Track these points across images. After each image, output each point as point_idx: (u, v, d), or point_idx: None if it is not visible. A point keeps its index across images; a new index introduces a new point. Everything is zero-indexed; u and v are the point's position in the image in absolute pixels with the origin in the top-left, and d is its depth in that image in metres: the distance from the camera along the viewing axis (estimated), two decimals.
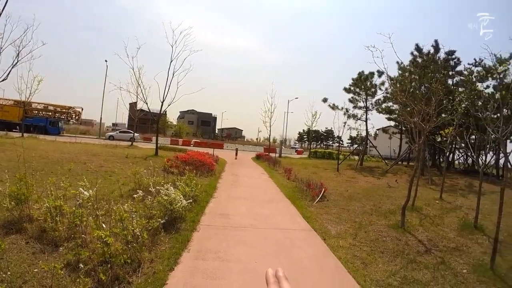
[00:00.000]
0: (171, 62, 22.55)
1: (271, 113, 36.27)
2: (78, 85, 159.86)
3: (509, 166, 30.02)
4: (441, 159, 32.69)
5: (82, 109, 50.48)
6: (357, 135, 31.98)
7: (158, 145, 24.23)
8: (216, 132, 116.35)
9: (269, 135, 40.16)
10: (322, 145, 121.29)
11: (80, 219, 5.20)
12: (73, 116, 49.36)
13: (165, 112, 26.41)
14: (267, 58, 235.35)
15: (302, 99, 75.28)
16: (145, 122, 67.53)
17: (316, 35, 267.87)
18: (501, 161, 27.88)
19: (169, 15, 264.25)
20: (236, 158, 30.73)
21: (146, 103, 23.78)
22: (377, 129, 41.94)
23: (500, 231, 9.78)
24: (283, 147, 55.65)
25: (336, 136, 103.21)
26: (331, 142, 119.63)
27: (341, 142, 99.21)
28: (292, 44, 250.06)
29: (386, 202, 12.46)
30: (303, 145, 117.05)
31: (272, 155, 34.29)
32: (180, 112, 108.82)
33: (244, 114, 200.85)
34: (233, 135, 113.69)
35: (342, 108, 29.94)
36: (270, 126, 36.46)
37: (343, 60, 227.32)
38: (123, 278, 4.47)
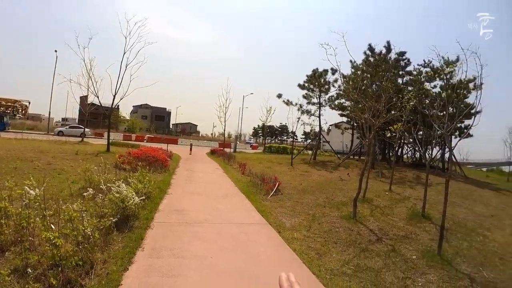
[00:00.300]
0: (124, 53, 21.70)
1: (225, 108, 36.07)
2: (23, 76, 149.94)
3: (454, 159, 32.18)
4: (390, 154, 33.95)
5: (29, 102, 48.03)
6: (311, 130, 32.43)
7: (110, 140, 23.47)
8: (171, 127, 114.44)
9: (224, 130, 40.03)
10: (276, 140, 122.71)
11: (27, 220, 4.94)
12: (20, 110, 46.83)
13: (118, 106, 25.67)
14: (224, 52, 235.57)
15: (258, 95, 75.91)
16: (96, 116, 65.32)
17: (273, 32, 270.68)
18: (446, 155, 29.64)
19: (124, 4, 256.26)
20: (190, 154, 30.44)
21: (97, 97, 22.73)
22: (330, 125, 42.84)
23: (446, 219, 10.37)
24: (238, 142, 55.64)
25: (290, 131, 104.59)
26: (285, 137, 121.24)
27: (295, 137, 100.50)
28: (249, 39, 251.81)
29: (338, 195, 12.82)
30: (258, 140, 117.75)
31: (227, 150, 34.31)
32: (133, 106, 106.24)
33: (199, 109, 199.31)
34: (188, 130, 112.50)
35: (296, 104, 30.33)
36: (225, 121, 36.27)
37: (299, 58, 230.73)
38: (75, 281, 4.29)
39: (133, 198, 7.12)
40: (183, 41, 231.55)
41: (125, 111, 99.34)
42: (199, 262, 5.46)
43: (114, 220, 6.06)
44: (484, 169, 54.18)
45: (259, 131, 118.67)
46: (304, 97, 31.36)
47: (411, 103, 13.58)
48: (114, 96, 21.53)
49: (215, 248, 6.23)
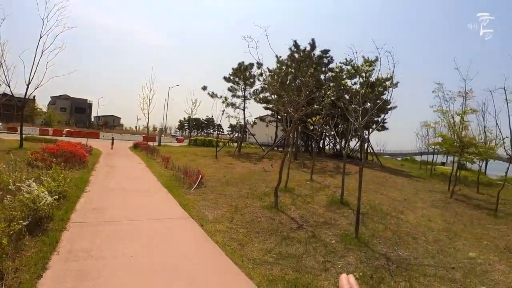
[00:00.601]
0: (40, 38, 19.54)
1: (149, 99, 34.69)
2: None
3: (371, 150, 34.32)
4: (313, 145, 35.21)
5: None
6: (236, 123, 32.58)
7: (25, 135, 21.64)
8: (92, 120, 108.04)
9: (147, 123, 38.80)
10: (203, 133, 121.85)
11: None
12: None
13: (34, 97, 23.40)
14: (152, 42, 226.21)
15: (184, 87, 74.34)
16: (9, 109, 59.91)
17: (203, 24, 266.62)
18: (367, 146, 31.53)
19: None
20: (112, 148, 29.26)
21: (9, 86, 19.71)
22: (256, 118, 43.33)
23: (363, 204, 11.02)
24: (163, 135, 54.36)
25: (216, 124, 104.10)
26: (212, 130, 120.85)
27: (221, 130, 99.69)
28: (179, 30, 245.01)
29: (261, 185, 13.04)
30: (184, 133, 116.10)
31: (152, 144, 33.36)
32: (51, 97, 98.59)
33: (123, 100, 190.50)
34: (111, 123, 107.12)
35: (221, 97, 30.28)
36: (148, 114, 35.01)
37: (228, 51, 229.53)
38: None
39: (45, 198, 6.65)
40: (110, 28, 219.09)
41: (42, 103, 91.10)
42: (119, 262, 5.26)
43: (25, 223, 5.60)
44: (399, 159, 58.48)
45: (185, 124, 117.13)
46: (229, 89, 31.39)
47: (329, 98, 14.10)
48: (28, 86, 19.50)
49: (136, 246, 6.04)
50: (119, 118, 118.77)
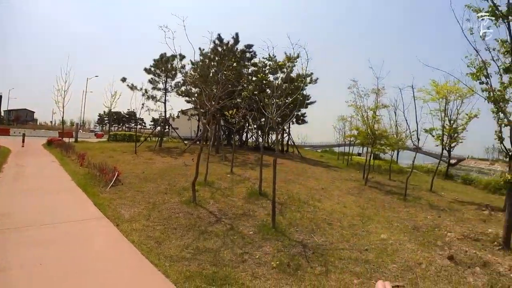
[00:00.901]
0: None
1: (64, 91, 31.88)
2: None
3: (292, 142, 35.34)
4: (235, 138, 35.40)
5: None
6: (159, 117, 31.61)
7: None
8: (2, 114, 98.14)
9: (63, 118, 36.05)
10: (124, 127, 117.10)
11: None
12: None
13: None
14: (70, 29, 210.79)
15: (104, 79, 70.74)
16: None
17: (124, 11, 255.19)
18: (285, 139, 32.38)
19: None
20: (23, 146, 26.87)
21: None
22: (178, 111, 42.54)
23: (282, 195, 11.17)
24: (80, 130, 51.34)
25: (138, 118, 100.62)
26: (133, 124, 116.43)
27: (143, 124, 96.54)
28: (102, 15, 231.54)
29: (181, 180, 12.70)
30: (104, 128, 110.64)
31: (68, 140, 31.19)
32: None
33: (37, 92, 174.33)
34: (23, 118, 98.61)
35: (141, 89, 29.19)
36: (63, 107, 32.36)
37: (150, 41, 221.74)
38: None
39: None
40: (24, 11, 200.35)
41: None
42: (27, 272, 4.73)
43: None
44: (319, 150, 61.06)
45: (105, 118, 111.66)
46: (150, 81, 30.30)
47: (247, 92, 14.14)
48: None
49: (46, 252, 5.49)
50: (33, 112, 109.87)
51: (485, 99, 8.60)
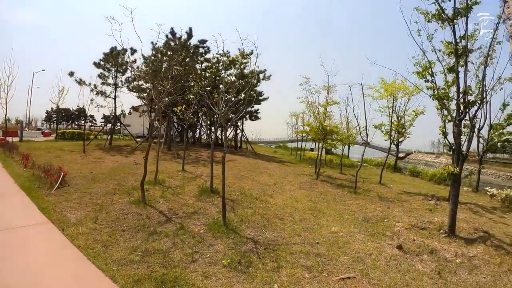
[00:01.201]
0: None
1: (7, 86, 29.70)
2: None
3: (245, 139, 35.43)
4: (188, 135, 34.99)
5: None
6: (110, 113, 30.46)
7: None
8: None
9: (6, 115, 33.77)
10: (74, 125, 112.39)
11: None
12: None
13: None
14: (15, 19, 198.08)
15: (53, 73, 67.23)
16: None
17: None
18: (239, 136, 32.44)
19: None
20: None
21: None
22: (130, 108, 41.50)
23: (234, 191, 11.16)
24: (26, 129, 48.72)
25: (88, 115, 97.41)
26: (83, 122, 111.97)
27: (94, 121, 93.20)
28: (49, 7, 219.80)
29: (130, 179, 12.35)
30: (52, 126, 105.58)
31: (11, 139, 29.33)
32: None
33: None
34: None
35: (90, 84, 27.99)
36: (6, 104, 30.22)
37: (98, 34, 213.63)
38: None
39: None
40: None
41: None
42: None
43: None
44: (273, 146, 61.68)
45: (53, 115, 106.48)
46: (99, 76, 28.95)
47: (198, 87, 14.01)
48: None
49: None
50: None
51: (430, 97, 9.00)
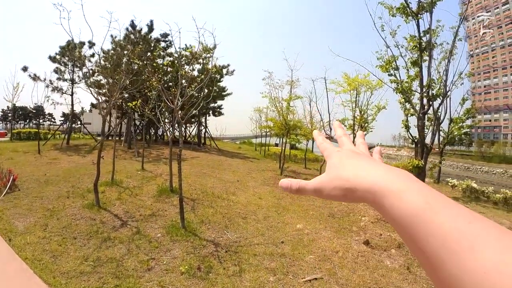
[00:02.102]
0: None
1: None
2: None
3: (209, 135, 35.13)
4: (151, 133, 34.25)
5: None
6: (71, 111, 29.20)
7: None
8: None
9: None
10: (31, 124, 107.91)
11: None
12: None
13: None
14: None
15: (7, 69, 64.14)
16: None
17: None
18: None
19: None
20: None
21: None
22: (90, 105, 40.18)
23: (195, 190, 10.82)
24: None
25: (47, 113, 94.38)
26: (42, 120, 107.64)
27: (53, 120, 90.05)
28: None
29: (86, 181, 11.68)
30: (8, 125, 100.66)
31: None
32: None
33: None
34: None
35: (45, 80, 26.69)
36: None
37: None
38: None
39: None
40: None
41: None
42: None
43: None
44: (238, 142, 61.85)
45: (9, 114, 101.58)
46: (55, 71, 27.67)
47: (156, 82, 13.57)
48: None
49: None
50: None
51: (394, 90, 9.03)
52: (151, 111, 13.61)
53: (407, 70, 8.79)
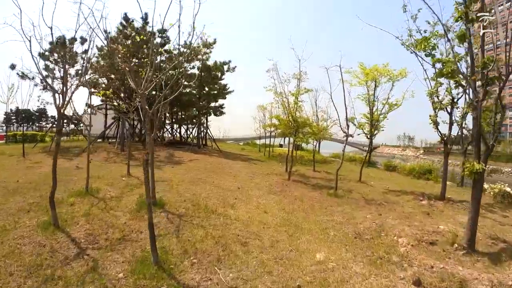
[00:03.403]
0: None
1: None
2: None
3: (210, 136, 33.51)
4: (134, 133, 32.80)
5: None
6: (74, 113, 27.54)
7: None
8: None
9: None
10: (34, 126, 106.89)
11: None
12: None
13: None
14: None
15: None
16: None
17: None
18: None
19: None
20: None
21: None
22: (94, 106, 38.56)
23: (184, 201, 8.84)
24: None
25: (50, 115, 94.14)
26: (44, 123, 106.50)
27: (54, 122, 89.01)
28: None
29: (60, 190, 9.44)
30: (11, 128, 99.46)
31: None
32: None
33: None
34: None
35: (34, 78, 25.01)
36: None
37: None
38: None
39: None
40: None
41: None
42: None
43: None
44: (241, 143, 60.81)
45: (13, 117, 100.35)
46: (45, 69, 25.95)
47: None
48: None
49: None
50: None
51: (434, 75, 7.19)
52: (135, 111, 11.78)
53: (452, 47, 6.85)
